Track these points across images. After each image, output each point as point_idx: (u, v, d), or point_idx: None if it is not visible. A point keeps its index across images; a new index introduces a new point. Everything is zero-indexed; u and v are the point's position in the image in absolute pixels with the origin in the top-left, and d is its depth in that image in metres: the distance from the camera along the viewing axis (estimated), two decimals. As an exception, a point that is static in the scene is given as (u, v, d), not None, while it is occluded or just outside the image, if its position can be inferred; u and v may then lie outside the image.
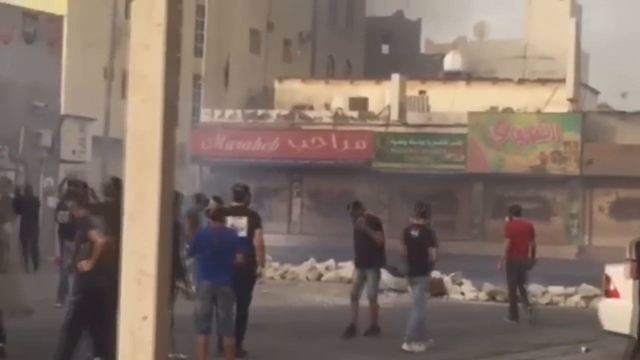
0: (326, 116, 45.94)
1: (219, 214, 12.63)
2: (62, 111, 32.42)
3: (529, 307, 19.86)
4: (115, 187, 14.00)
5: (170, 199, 2.61)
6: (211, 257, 12.06)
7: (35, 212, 23.43)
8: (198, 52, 52.33)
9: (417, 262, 15.66)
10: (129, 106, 2.62)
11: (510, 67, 55.17)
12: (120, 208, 10.03)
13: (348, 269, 26.22)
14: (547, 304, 23.56)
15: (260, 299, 16.05)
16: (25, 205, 22.00)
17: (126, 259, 2.59)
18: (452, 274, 25.41)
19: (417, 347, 15.27)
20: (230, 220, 13.28)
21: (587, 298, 23.39)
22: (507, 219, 20.92)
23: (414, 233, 15.85)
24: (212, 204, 13.18)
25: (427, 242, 15.76)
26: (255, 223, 13.71)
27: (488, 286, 24.57)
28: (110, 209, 14.17)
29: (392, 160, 44.08)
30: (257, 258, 13.61)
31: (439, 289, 24.54)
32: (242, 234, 13.38)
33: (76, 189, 13.96)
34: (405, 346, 15.29)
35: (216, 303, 12.06)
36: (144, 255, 2.57)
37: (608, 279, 15.87)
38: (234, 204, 14.04)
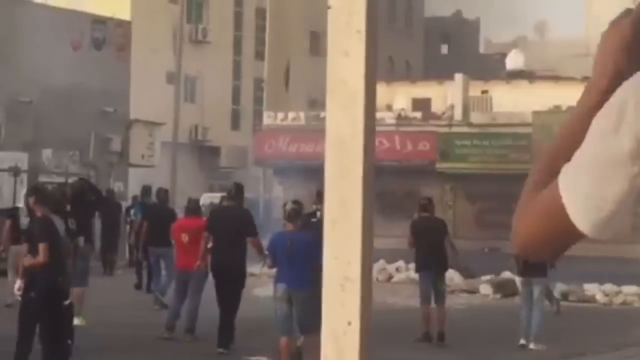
0: (389, 117, 45.87)
1: (295, 216, 12.56)
2: (131, 116, 32.69)
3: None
4: (237, 191, 14.68)
5: (372, 206, 2.62)
6: (286, 260, 12.11)
7: (117, 217, 23.33)
8: (259, 56, 52.56)
9: (535, 263, 15.80)
10: (328, 112, 2.63)
11: (571, 66, 54.73)
12: (238, 213, 10.13)
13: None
14: (621, 303, 23.35)
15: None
16: (107, 210, 21.83)
17: (329, 265, 2.60)
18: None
19: (541, 347, 15.60)
20: None
21: (664, 298, 23.17)
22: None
23: None
24: (288, 204, 13.16)
25: None
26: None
27: (560, 286, 24.40)
28: (223, 214, 14.78)
29: (456, 160, 43.94)
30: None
31: (510, 290, 24.41)
32: None
33: (43, 187, 13.79)
34: (532, 345, 15.66)
35: (293, 305, 12.12)
36: (347, 261, 2.58)
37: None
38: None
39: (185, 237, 14.92)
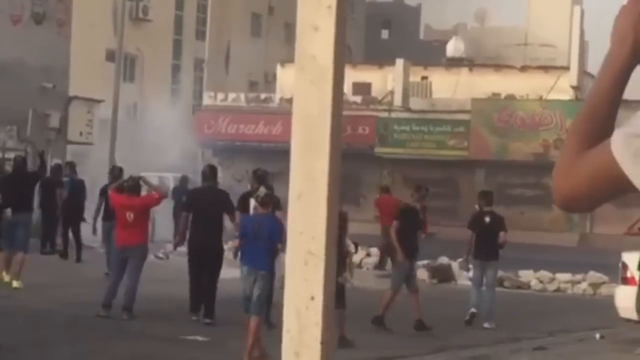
0: (329, 101, 45.88)
1: (268, 201, 12.68)
2: (70, 93, 32.33)
3: None
4: (210, 172, 15.67)
5: (338, 181, 2.62)
6: (253, 242, 12.29)
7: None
8: (200, 35, 52.26)
9: (490, 247, 16.18)
10: (297, 87, 2.63)
11: (511, 54, 55.09)
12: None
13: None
14: (555, 290, 23.64)
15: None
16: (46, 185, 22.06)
17: (293, 240, 2.60)
18: (460, 259, 25.44)
19: (493, 325, 16.18)
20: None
21: (595, 285, 23.47)
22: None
23: (487, 219, 16.43)
24: (261, 190, 13.30)
25: (499, 227, 16.41)
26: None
27: (495, 272, 24.62)
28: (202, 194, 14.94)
29: (394, 145, 44.14)
30: None
31: (447, 275, 24.59)
32: None
33: None
34: (486, 324, 16.23)
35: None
36: (311, 236, 2.58)
37: (625, 267, 15.93)
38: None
39: (130, 216, 14.88)
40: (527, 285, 23.71)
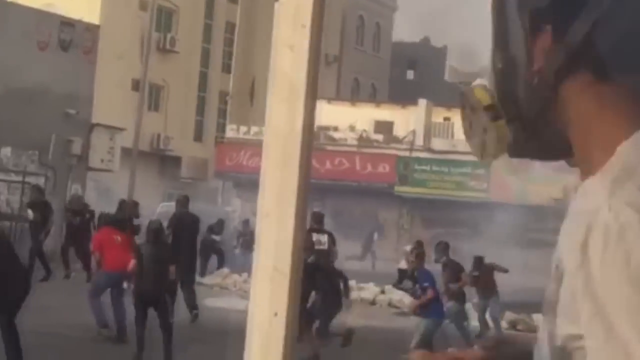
0: (351, 138, 46.00)
1: None
2: (93, 120, 32.57)
3: None
4: (185, 200, 17.17)
5: (307, 200, 2.64)
6: None
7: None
8: (226, 69, 52.56)
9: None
10: (269, 104, 2.66)
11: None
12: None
13: (370, 290, 26.27)
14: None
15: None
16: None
17: (260, 255, 2.62)
18: (474, 300, 25.35)
19: None
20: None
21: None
22: None
23: None
24: None
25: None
26: None
27: (509, 315, 24.61)
28: None
29: (414, 184, 44.11)
30: None
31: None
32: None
33: None
34: None
35: None
36: (277, 253, 2.60)
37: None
38: None
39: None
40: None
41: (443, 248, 18.16)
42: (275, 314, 2.69)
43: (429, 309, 14.27)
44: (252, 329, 2.72)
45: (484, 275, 19.96)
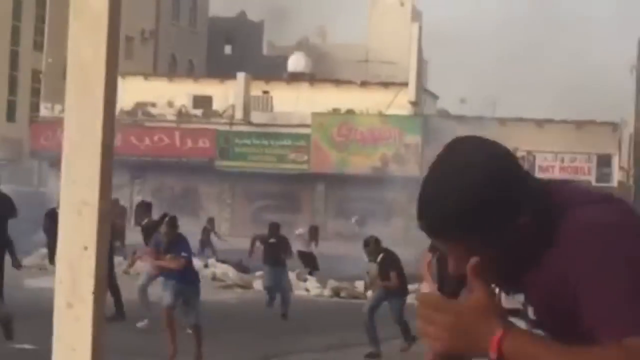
0: (169, 113, 45.65)
1: None
2: None
3: None
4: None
5: (113, 130, 2.59)
6: None
7: None
8: (38, 46, 51.30)
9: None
10: (71, 35, 2.59)
11: (352, 71, 55.81)
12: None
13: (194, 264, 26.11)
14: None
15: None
16: None
17: (66, 189, 2.55)
18: (297, 270, 25.60)
19: None
20: None
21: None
22: None
23: None
24: None
25: None
26: None
27: (332, 283, 24.95)
28: None
29: (235, 159, 44.14)
30: None
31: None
32: None
33: None
34: None
35: None
36: (85, 184, 2.53)
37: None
38: None
39: None
40: (363, 295, 23.93)
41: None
42: (85, 248, 2.64)
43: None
44: (62, 262, 2.66)
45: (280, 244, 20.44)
